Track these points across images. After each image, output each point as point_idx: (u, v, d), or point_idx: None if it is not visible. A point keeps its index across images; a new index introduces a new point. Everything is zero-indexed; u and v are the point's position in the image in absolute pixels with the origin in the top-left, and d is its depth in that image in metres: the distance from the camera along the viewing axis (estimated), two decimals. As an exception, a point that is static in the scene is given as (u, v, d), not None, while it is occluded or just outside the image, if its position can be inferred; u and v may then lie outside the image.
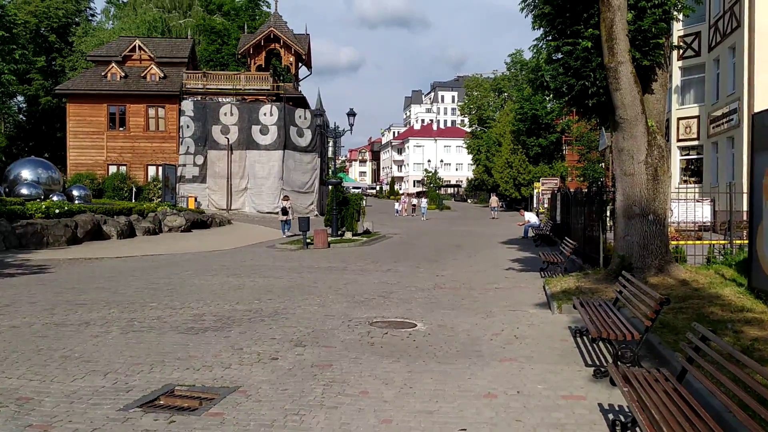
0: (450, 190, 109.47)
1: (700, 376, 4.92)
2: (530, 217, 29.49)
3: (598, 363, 7.58)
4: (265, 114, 44.68)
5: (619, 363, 6.81)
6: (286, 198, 33.25)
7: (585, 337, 8.70)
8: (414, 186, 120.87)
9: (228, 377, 6.96)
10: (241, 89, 46.46)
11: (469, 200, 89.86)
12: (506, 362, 7.63)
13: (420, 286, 13.93)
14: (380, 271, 16.75)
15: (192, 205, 41.67)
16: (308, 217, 25.26)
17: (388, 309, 11.17)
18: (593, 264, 15.07)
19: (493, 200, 52.56)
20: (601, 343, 8.37)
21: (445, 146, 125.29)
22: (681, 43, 30.75)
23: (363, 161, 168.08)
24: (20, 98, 59.93)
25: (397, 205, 51.40)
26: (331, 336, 8.98)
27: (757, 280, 10.12)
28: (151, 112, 46.20)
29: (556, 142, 56.20)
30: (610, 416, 5.78)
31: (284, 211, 30.68)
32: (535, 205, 45.04)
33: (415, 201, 53.10)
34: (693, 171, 31.93)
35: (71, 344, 8.38)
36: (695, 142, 31.40)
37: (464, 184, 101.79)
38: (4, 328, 9.37)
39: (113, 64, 46.09)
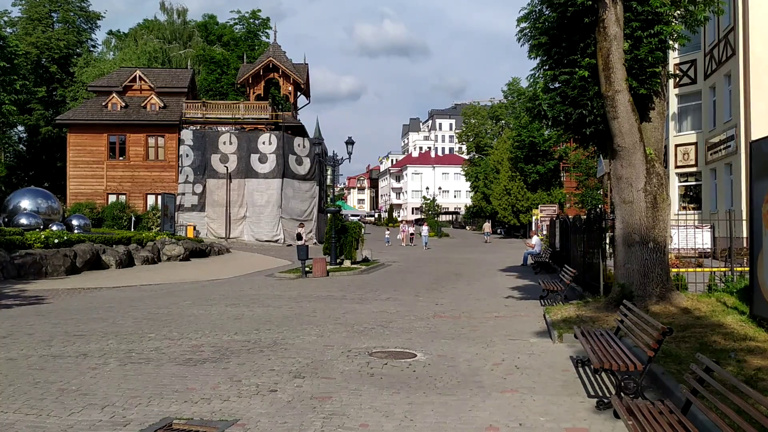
0: (448, 217, 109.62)
1: (705, 409, 4.86)
2: (536, 240, 29.50)
3: (600, 394, 7.51)
4: (263, 143, 44.94)
5: (622, 394, 6.73)
6: (301, 225, 33.65)
7: (587, 367, 8.62)
8: (412, 213, 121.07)
9: (226, 410, 6.88)
10: (240, 118, 46.78)
11: (467, 227, 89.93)
12: (507, 393, 7.56)
13: (419, 315, 13.86)
14: (379, 300, 16.66)
15: (191, 234, 41.67)
16: (307, 246, 25.23)
17: (388, 339, 11.09)
18: (593, 292, 15.00)
19: (486, 226, 58.31)
20: (603, 374, 8.30)
21: (443, 173, 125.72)
22: (677, 71, 31.09)
23: (361, 189, 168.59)
24: (21, 128, 60.32)
25: (387, 234, 50.44)
26: (331, 367, 8.90)
27: (759, 308, 10.07)
28: (151, 141, 46.46)
29: (554, 169, 56.49)
30: (614, 449, 5.69)
31: (299, 237, 31.05)
32: (530, 232, 45.11)
33: (412, 229, 52.34)
34: (692, 197, 32.01)
35: (68, 377, 8.30)
36: (693, 169, 31.53)
37: (462, 211, 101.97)
38: (1, 360, 9.29)
39: (114, 95, 46.48)
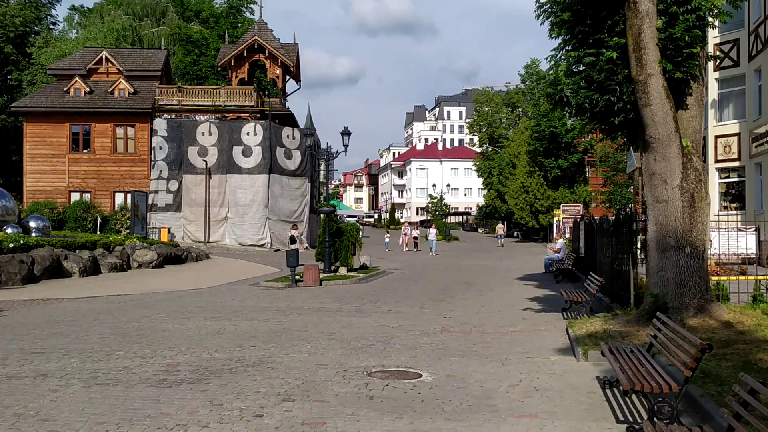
0: (458, 218, 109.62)
1: (750, 436, 4.87)
2: (561, 244, 29.51)
3: (631, 419, 7.52)
4: (248, 133, 44.98)
5: (655, 420, 6.75)
6: (294, 227, 33.63)
7: (615, 389, 8.64)
8: (417, 213, 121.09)
9: (206, 438, 6.89)
10: (221, 106, 46.82)
11: (479, 229, 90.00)
12: (525, 419, 7.58)
13: (425, 330, 13.89)
14: (380, 313, 16.70)
15: (165, 238, 41.70)
16: (297, 251, 25.26)
17: (389, 356, 11.12)
18: (623, 303, 15.03)
19: (499, 228, 58.35)
20: (634, 396, 8.31)
21: (452, 168, 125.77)
22: (718, 52, 31.10)
23: (359, 186, 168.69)
24: (-29, 117, 60.31)
25: (387, 238, 50.13)
26: (324, 389, 8.92)
27: (811, 322, 10.08)
28: (120, 132, 46.50)
29: (577, 163, 56.48)
30: (647, 482, 5.70)
31: (292, 240, 31.17)
32: (554, 235, 44.98)
33: (416, 232, 51.87)
34: (734, 196, 32.03)
35: (26, 400, 8.31)
36: (736, 163, 31.55)
37: (474, 212, 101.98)
38: (-51, 381, 9.31)
39: (77, 79, 46.50)
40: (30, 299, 19.31)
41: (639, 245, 15.72)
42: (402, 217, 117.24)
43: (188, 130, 45.28)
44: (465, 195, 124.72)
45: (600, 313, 14.44)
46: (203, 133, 45.22)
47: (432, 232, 46.53)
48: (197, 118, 46.27)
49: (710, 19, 13.02)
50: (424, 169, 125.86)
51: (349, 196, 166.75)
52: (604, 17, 12.94)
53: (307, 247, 44.24)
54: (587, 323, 12.88)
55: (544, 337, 12.92)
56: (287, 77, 51.94)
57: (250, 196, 44.73)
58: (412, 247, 48.05)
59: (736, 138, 31.43)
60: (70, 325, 14.54)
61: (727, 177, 32.16)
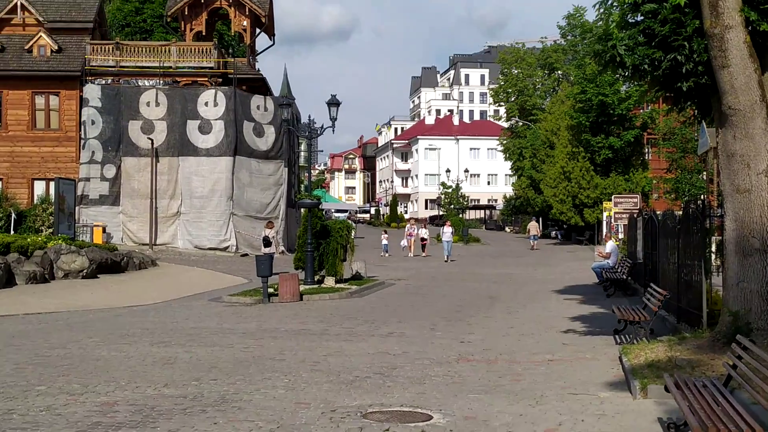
0: (479, 214, 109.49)
1: None
2: (612, 246, 29.42)
3: (703, 473, 7.52)
4: (206, 103, 44.89)
5: (734, 474, 6.74)
6: (270, 224, 33.66)
7: (683, 435, 8.65)
8: (426, 208, 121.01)
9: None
10: (171, 68, 46.73)
11: (507, 228, 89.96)
12: (567, 473, 7.58)
13: (437, 358, 13.90)
14: (378, 336, 16.70)
15: (99, 239, 41.55)
16: (271, 256, 25.25)
17: (390, 393, 11.12)
18: (692, 323, 15.02)
19: (532, 226, 58.46)
20: (707, 444, 8.32)
21: (471, 149, 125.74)
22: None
23: (351, 172, 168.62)
24: None
25: (384, 239, 49.58)
26: (306, 435, 8.93)
27: None
28: (39, 101, 46.44)
29: (634, 142, 56.44)
30: None
31: (266, 242, 31.20)
32: (603, 235, 44.87)
33: (425, 232, 51.04)
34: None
35: None
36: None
37: (500, 205, 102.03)
38: None
39: (-17, 32, 46.39)
40: (-76, 319, 19.28)
41: (714, 248, 15.71)
42: (406, 212, 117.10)
43: (129, 99, 45.17)
44: (488, 183, 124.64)
45: (663, 337, 14.42)
46: (148, 104, 45.10)
47: (447, 232, 46.05)
48: (140, 84, 46.17)
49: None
50: (434, 149, 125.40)
51: (338, 185, 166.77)
52: (668, -48, 12.91)
53: (283, 251, 44.22)
54: (647, 349, 12.87)
55: (591, 368, 12.92)
56: (257, 30, 51.80)
57: (210, 185, 44.64)
58: (419, 251, 47.59)
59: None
60: (-25, 352, 14.54)
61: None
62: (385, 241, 48.35)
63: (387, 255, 45.92)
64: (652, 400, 10.39)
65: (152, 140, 44.52)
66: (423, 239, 48.83)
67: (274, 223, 37.51)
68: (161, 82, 46.42)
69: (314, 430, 9.12)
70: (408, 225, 53.39)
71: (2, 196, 44.90)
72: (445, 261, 42.31)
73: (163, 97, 45.19)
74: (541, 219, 70.80)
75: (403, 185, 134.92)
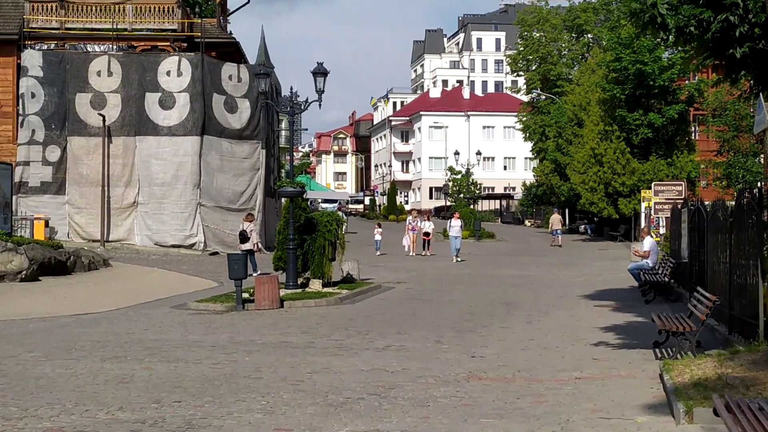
0: (493, 204, 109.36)
1: None
2: (650, 243, 29.29)
3: None
4: (168, 73, 44.77)
5: None
6: (249, 217, 33.75)
7: (736, 466, 8.65)
8: (431, 197, 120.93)
9: None
10: (126, 30, 46.68)
11: (527, 221, 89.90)
12: None
13: (443, 376, 13.91)
14: (373, 350, 16.70)
15: (41, 235, 41.48)
16: (245, 254, 25.21)
17: (388, 418, 11.11)
18: (747, 334, 15.00)
19: (555, 219, 58.47)
20: (764, 477, 8.33)
21: (484, 127, 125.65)
22: None
23: (341, 155, 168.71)
24: None
25: (377, 234, 48.50)
26: (288, 467, 8.95)
27: None
28: (-32, 70, 46.29)
29: (678, 119, 56.38)
30: None
31: (243, 237, 31.24)
32: (641, 230, 44.73)
33: (429, 226, 49.85)
34: None
35: None
36: None
37: (518, 194, 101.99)
38: None
39: None
40: None
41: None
42: (407, 203, 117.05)
43: (76, 67, 45.04)
44: (505, 168, 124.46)
45: (712, 350, 14.41)
46: (99, 73, 44.97)
47: (455, 226, 45.22)
48: (90, 50, 46.06)
49: None
50: (441, 128, 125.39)
51: (326, 170, 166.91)
52: None
53: (261, 249, 44.24)
54: (693, 365, 12.86)
55: (627, 387, 12.92)
56: (229, -14, 51.79)
57: (173, 171, 44.56)
58: (421, 250, 47.09)
59: None
60: None
61: None
62: (378, 236, 47.73)
63: (379, 254, 45.44)
64: (698, 426, 10.36)
65: (104, 117, 44.38)
66: (426, 234, 48.10)
67: (253, 216, 37.48)
68: (114, 47, 46.30)
69: (297, 462, 9.13)
70: (409, 217, 51.87)
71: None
72: (454, 261, 42.17)
73: (116, 66, 45.03)
74: (567, 211, 70.75)
75: (403, 170, 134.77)
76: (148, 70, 44.86)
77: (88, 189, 44.77)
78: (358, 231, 62.10)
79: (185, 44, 46.79)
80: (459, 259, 42.44)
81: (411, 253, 46.44)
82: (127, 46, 46.50)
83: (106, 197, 44.46)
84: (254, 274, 29.39)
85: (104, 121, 44.33)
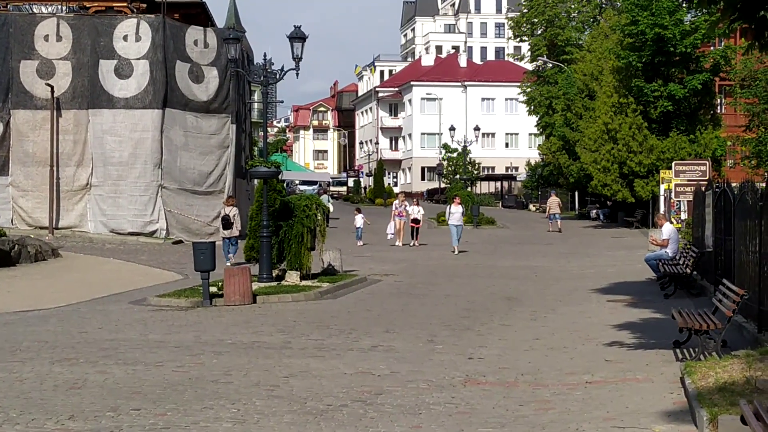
0: (493, 186, 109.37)
1: None
2: (669, 231, 29.19)
3: None
4: (125, 37, 44.64)
5: None
6: (230, 200, 33.90)
7: (766, 481, 8.68)
8: (423, 178, 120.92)
9: None
10: (77, -11, 46.53)
11: (531, 206, 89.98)
12: None
13: (436, 380, 13.91)
14: (357, 350, 16.71)
15: (-20, 221, 41.51)
16: (213, 243, 25.17)
17: (374, 426, 11.13)
18: (780, 333, 15.08)
19: (553, 202, 60.38)
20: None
21: (483, 99, 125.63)
22: None
23: (322, 130, 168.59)
24: None
25: (358, 221, 46.72)
26: (261, 483, 8.96)
27: None
28: None
29: (702, 90, 56.38)
30: None
31: (226, 223, 31.34)
32: (657, 215, 44.63)
33: (419, 211, 47.95)
34: None
35: None
36: None
37: (522, 175, 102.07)
38: None
39: None
40: None
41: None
42: (396, 185, 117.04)
43: (20, 31, 44.88)
44: (506, 146, 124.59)
45: (740, 350, 14.47)
46: (47, 37, 44.83)
47: (455, 212, 43.85)
48: (36, 11, 45.88)
49: None
50: (434, 100, 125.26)
51: (305, 148, 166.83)
52: None
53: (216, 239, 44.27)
54: (718, 367, 12.88)
55: (643, 392, 12.92)
56: (194, -62, 51.58)
57: (130, 148, 44.48)
58: (409, 239, 46.08)
59: None
60: None
61: None
62: (359, 223, 46.82)
63: (361, 244, 44.80)
64: (724, 436, 10.40)
65: (52, 87, 44.28)
66: (415, 222, 47.17)
67: (234, 198, 37.56)
68: (64, 8, 46.14)
69: (272, 477, 9.14)
70: (396, 202, 50.32)
71: None
72: (453, 252, 41.30)
73: (66, 29, 44.88)
74: (576, 194, 70.81)
75: (391, 148, 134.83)
76: (102, 35, 44.69)
77: (35, 169, 44.65)
78: (340, 216, 62.07)
79: (144, 5, 46.66)
80: (458, 251, 41.68)
81: (398, 243, 45.59)
82: (79, 7, 46.33)
83: (55, 178, 44.35)
84: (227, 264, 29.49)
85: (53, 92, 44.19)
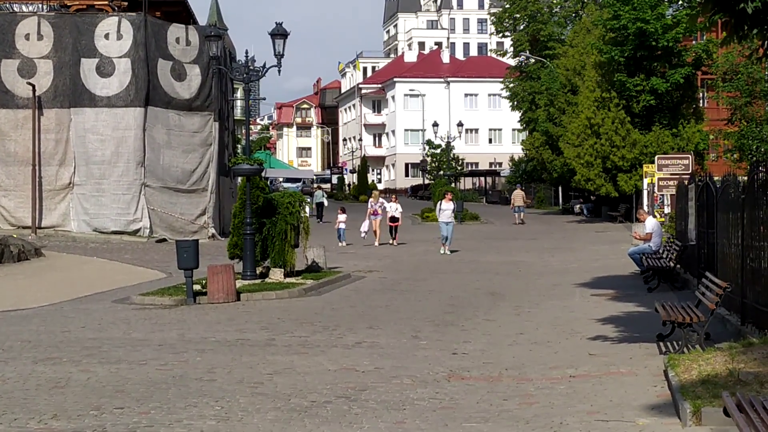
0: (476, 182, 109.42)
1: None
2: (652, 225, 29.21)
3: None
4: (107, 36, 44.51)
5: None
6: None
7: (749, 473, 8.70)
8: (407, 175, 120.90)
9: None
10: (58, -13, 46.38)
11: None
12: None
13: (420, 376, 13.95)
14: (341, 347, 16.73)
15: (-38, 221, 41.38)
16: (196, 241, 25.14)
17: (358, 423, 11.13)
18: (762, 325, 15.08)
19: (517, 195, 60.61)
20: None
21: (466, 95, 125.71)
22: None
23: (305, 127, 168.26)
24: None
25: (339, 221, 44.28)
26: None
27: None
28: None
29: (684, 84, 56.46)
30: None
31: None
32: (639, 210, 44.39)
33: (396, 208, 44.92)
34: None
35: None
36: None
37: (506, 170, 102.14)
38: None
39: None
40: None
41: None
42: (380, 181, 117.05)
43: (0, 30, 44.73)
44: (490, 142, 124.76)
45: (723, 343, 14.50)
46: (27, 36, 44.68)
47: (446, 209, 41.05)
48: (16, 9, 45.72)
49: None
50: (417, 96, 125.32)
51: (288, 145, 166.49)
52: None
53: (214, 235, 44.10)
54: (701, 360, 12.93)
55: (627, 386, 12.98)
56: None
57: (113, 147, 44.35)
58: (387, 238, 44.18)
59: None
60: None
61: None
62: (342, 224, 44.78)
63: (344, 244, 43.38)
64: (707, 428, 10.40)
65: (33, 86, 44.14)
66: (394, 220, 44.74)
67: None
68: (45, 6, 45.98)
69: (256, 474, 9.13)
70: (371, 200, 47.21)
71: None
72: (446, 252, 39.38)
73: (47, 28, 44.74)
74: (560, 188, 70.87)
75: (375, 144, 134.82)
76: (83, 33, 44.56)
77: (17, 168, 44.51)
78: (324, 213, 62.05)
79: (125, 3, 46.53)
80: (449, 251, 39.52)
81: (375, 243, 43.39)
82: (60, 5, 46.17)
83: (37, 178, 44.20)
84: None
85: (34, 91, 44.06)
